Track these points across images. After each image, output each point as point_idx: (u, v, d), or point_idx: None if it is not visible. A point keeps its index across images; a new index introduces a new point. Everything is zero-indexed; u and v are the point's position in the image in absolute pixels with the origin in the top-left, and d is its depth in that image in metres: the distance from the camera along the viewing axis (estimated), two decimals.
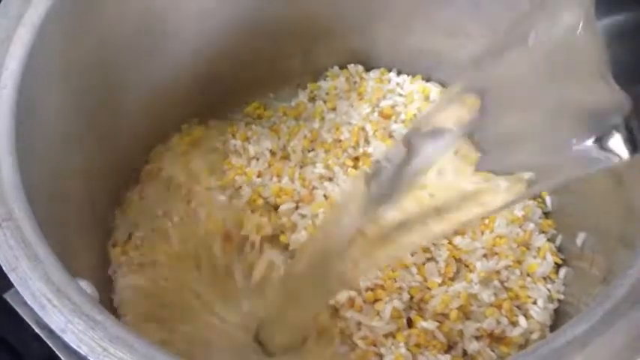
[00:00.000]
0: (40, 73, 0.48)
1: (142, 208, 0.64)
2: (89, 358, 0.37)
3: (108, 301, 0.59)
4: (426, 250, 0.60)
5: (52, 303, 0.39)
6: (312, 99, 0.69)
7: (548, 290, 0.60)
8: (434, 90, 0.68)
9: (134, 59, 0.58)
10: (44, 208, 0.46)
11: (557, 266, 0.61)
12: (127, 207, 0.64)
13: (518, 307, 0.59)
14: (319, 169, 0.63)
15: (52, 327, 0.38)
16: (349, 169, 0.63)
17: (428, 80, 0.70)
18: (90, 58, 0.53)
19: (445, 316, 0.57)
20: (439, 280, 0.59)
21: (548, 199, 0.65)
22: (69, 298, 0.39)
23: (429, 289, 0.58)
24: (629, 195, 0.51)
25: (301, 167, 0.64)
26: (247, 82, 0.69)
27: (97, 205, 0.60)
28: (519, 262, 0.61)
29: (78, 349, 0.37)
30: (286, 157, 0.65)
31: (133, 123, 0.61)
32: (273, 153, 0.65)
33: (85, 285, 0.44)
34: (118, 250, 0.62)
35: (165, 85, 0.63)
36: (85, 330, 0.38)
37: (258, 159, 0.64)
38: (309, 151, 0.65)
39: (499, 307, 0.58)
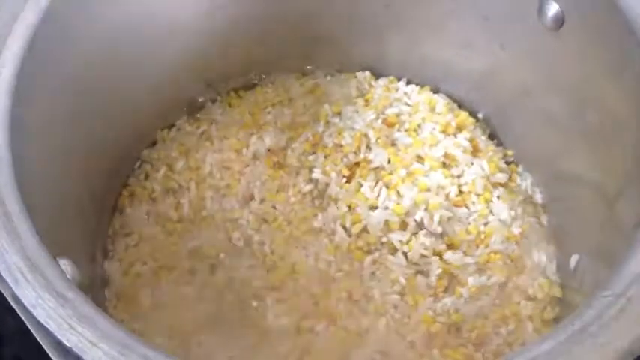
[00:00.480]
0: (42, 55, 0.49)
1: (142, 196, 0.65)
2: (55, 334, 0.38)
3: (100, 284, 0.61)
4: (416, 262, 0.60)
5: (25, 277, 0.40)
6: (319, 100, 0.70)
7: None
8: (440, 101, 0.68)
9: (138, 47, 0.60)
10: (36, 187, 0.47)
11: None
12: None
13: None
14: (317, 174, 0.64)
15: (24, 301, 0.39)
16: (343, 180, 0.64)
17: (436, 92, 0.70)
18: (93, 44, 0.55)
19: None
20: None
21: (544, 218, 0.64)
22: (42, 275, 0.40)
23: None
24: (619, 217, 0.50)
25: (298, 172, 0.65)
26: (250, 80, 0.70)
27: (95, 190, 0.61)
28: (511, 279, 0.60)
29: (46, 325, 0.38)
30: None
31: (134, 109, 0.62)
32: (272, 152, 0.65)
33: (65, 264, 0.45)
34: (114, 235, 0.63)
35: (167, 74, 0.64)
36: (54, 307, 0.39)
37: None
38: (310, 154, 0.66)
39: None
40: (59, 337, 0.38)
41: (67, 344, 0.37)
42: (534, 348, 0.38)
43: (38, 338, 0.39)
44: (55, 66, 0.52)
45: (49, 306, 0.39)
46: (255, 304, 0.59)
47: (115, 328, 0.38)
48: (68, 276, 0.44)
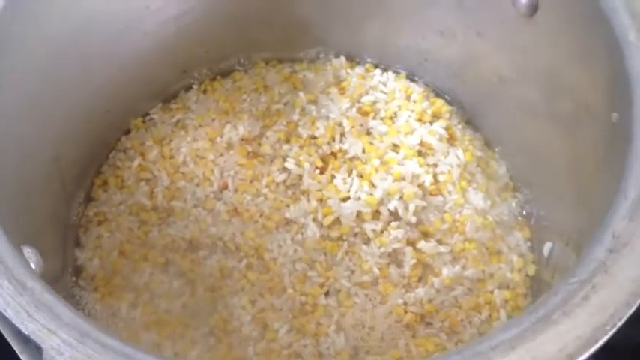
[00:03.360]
0: (7, 41, 0.49)
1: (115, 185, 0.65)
2: (13, 321, 0.37)
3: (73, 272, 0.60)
4: (389, 253, 0.60)
5: None
6: (295, 88, 0.69)
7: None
8: (417, 89, 0.68)
9: (110, 34, 0.59)
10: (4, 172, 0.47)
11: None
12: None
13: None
14: (290, 164, 0.63)
15: None
16: (316, 171, 0.63)
17: (412, 80, 0.70)
18: (65, 30, 0.54)
19: None
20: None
21: (520, 206, 0.64)
22: (2, 262, 0.39)
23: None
24: (590, 203, 0.50)
25: (272, 161, 0.64)
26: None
27: (67, 178, 0.60)
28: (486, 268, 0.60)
29: (4, 312, 0.38)
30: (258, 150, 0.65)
31: (107, 96, 0.62)
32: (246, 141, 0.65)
33: (29, 252, 0.45)
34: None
35: (140, 61, 0.63)
36: (13, 294, 0.38)
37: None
38: (284, 143, 0.65)
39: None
40: (17, 324, 0.37)
41: (25, 332, 0.37)
42: (497, 335, 0.38)
43: None
44: (23, 53, 0.51)
45: (7, 293, 0.38)
46: (226, 295, 0.58)
47: (73, 315, 0.38)
48: (32, 264, 0.44)
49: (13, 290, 0.38)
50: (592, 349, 0.38)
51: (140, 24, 0.62)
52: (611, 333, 0.38)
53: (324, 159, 0.64)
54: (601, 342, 0.38)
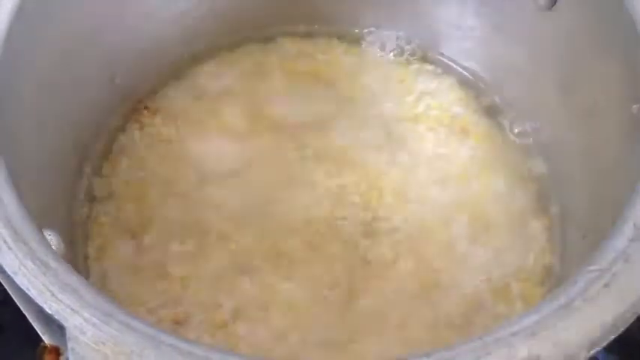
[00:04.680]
0: (29, 25, 0.49)
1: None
2: (36, 301, 0.38)
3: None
4: None
5: (7, 245, 0.39)
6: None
7: None
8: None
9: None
10: (25, 155, 0.47)
11: None
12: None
13: None
14: None
15: (6, 268, 0.39)
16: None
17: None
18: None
19: None
20: None
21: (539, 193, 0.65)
22: (25, 243, 0.40)
23: None
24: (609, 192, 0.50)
25: None
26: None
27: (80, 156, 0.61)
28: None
29: (27, 292, 0.38)
30: None
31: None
32: None
33: (50, 236, 0.45)
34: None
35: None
36: (36, 274, 0.38)
37: None
38: None
39: None
40: (41, 304, 0.38)
41: (49, 311, 0.37)
42: (518, 322, 0.38)
43: (20, 306, 0.39)
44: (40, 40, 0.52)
45: (31, 273, 0.39)
46: None
47: (96, 296, 0.38)
48: (53, 247, 0.44)
49: (37, 270, 0.39)
50: (613, 337, 0.38)
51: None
52: (632, 319, 0.38)
53: None
54: (622, 329, 0.38)
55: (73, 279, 0.39)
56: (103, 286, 0.58)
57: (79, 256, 0.59)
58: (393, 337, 0.57)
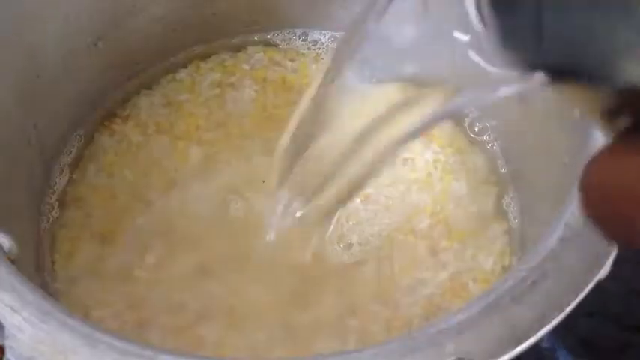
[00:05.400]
0: None
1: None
2: None
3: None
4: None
5: None
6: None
7: None
8: None
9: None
10: None
11: None
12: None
13: None
14: None
15: None
16: None
17: None
18: None
19: None
20: None
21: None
22: None
23: None
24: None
25: None
26: None
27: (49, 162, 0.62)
28: None
29: None
30: None
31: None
32: None
33: (2, 237, 0.46)
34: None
35: None
36: None
37: None
38: None
39: None
40: None
41: None
42: (447, 319, 0.39)
43: None
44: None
45: None
46: None
47: (36, 295, 0.40)
48: (5, 248, 0.45)
49: None
50: (540, 333, 0.39)
51: None
52: (559, 318, 0.39)
53: None
54: (549, 326, 0.39)
55: (15, 279, 0.40)
56: (69, 291, 0.59)
57: (46, 261, 0.61)
58: (352, 337, 0.58)
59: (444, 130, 0.67)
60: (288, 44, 0.73)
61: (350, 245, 0.62)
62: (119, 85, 0.69)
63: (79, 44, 0.63)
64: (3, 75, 0.54)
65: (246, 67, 0.72)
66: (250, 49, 0.73)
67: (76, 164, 0.66)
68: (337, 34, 0.73)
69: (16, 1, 0.55)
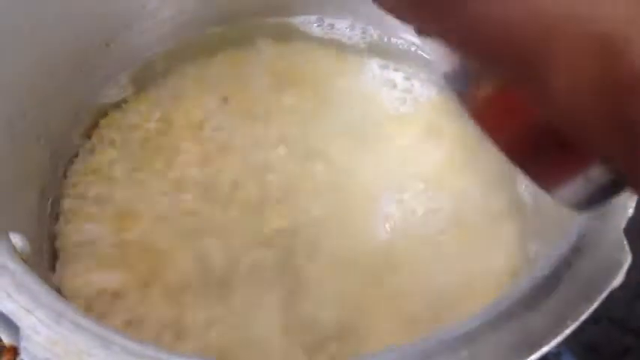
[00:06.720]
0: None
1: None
2: None
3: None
4: None
5: None
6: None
7: None
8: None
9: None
10: None
11: None
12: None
13: None
14: None
15: None
16: None
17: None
18: None
19: None
20: None
21: None
22: None
23: None
24: None
25: None
26: None
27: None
28: None
29: None
30: None
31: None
32: None
33: (15, 238, 0.47)
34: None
35: None
36: None
37: None
38: None
39: None
40: None
41: (4, 311, 0.39)
42: (462, 326, 0.39)
43: None
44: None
45: None
46: None
47: (51, 297, 0.40)
48: (18, 249, 0.45)
49: None
50: (554, 342, 0.39)
51: None
52: (574, 326, 0.39)
53: None
54: (563, 335, 0.39)
55: (30, 280, 0.40)
56: None
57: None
58: (356, 334, 0.58)
59: (455, 127, 0.67)
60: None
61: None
62: (130, 84, 0.69)
63: (91, 45, 0.63)
64: (18, 75, 0.54)
65: (256, 60, 0.72)
66: (260, 42, 0.73)
67: (87, 164, 0.66)
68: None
69: (30, 2, 0.55)
